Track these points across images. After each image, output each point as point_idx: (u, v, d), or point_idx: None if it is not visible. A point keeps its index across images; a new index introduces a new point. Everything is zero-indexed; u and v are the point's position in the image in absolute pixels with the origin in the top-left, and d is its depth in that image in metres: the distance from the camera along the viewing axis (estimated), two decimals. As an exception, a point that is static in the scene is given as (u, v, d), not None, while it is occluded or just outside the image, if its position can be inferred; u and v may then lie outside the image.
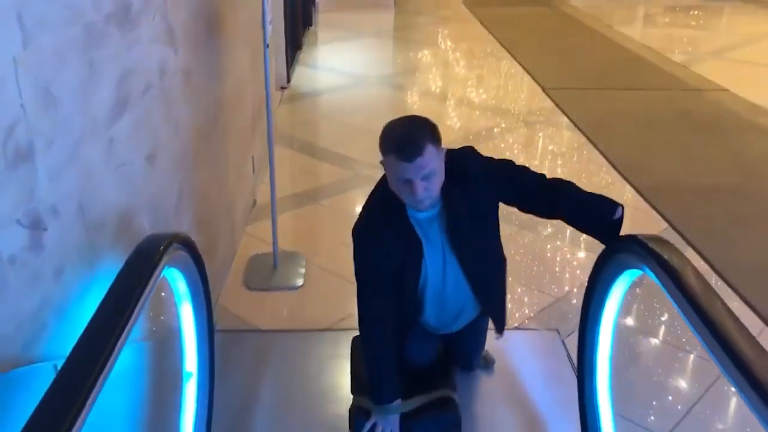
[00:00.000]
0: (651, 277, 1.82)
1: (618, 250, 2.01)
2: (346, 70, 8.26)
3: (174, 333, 2.20)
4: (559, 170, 5.38)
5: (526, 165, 2.23)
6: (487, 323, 2.54)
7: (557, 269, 3.71)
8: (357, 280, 2.15)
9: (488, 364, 2.86)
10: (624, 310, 3.42)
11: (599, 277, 2.12)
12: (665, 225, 4.31)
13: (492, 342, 2.70)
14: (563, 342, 3.11)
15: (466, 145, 2.16)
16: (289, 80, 7.35)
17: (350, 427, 2.41)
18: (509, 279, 2.62)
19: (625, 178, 5.04)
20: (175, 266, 1.92)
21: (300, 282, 3.65)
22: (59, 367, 1.33)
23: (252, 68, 4.24)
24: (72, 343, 1.32)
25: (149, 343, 2.27)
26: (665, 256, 1.78)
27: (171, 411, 2.21)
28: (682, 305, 1.64)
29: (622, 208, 2.07)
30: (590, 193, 2.15)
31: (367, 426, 2.27)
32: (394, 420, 2.26)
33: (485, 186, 2.07)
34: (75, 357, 1.33)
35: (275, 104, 5.67)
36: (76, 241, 1.68)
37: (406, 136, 1.82)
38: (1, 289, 1.34)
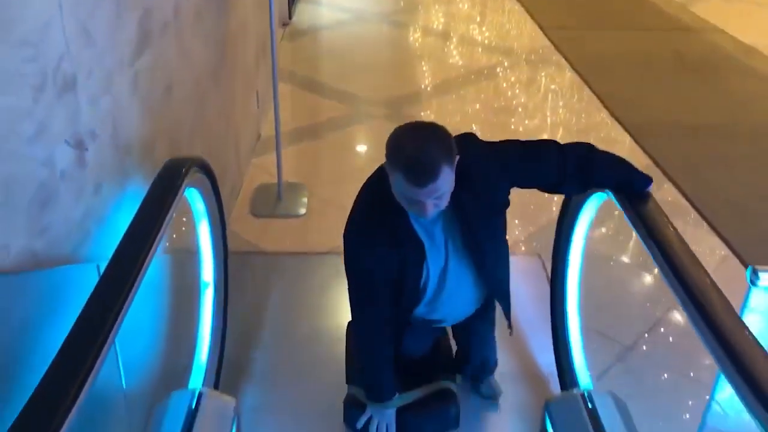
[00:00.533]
0: (613, 201, 2.07)
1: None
2: (348, 7, 8.31)
3: (191, 249, 2.48)
4: (550, 108, 5.58)
5: (541, 138, 2.02)
6: (493, 330, 2.43)
7: (545, 198, 3.98)
8: (349, 287, 1.98)
9: (495, 393, 2.58)
10: (598, 235, 3.71)
11: (571, 200, 2.38)
12: (648, 161, 4.56)
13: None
14: (543, 265, 3.40)
15: (466, 132, 1.92)
16: (291, 17, 7.44)
17: (344, 419, 2.36)
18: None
19: (614, 116, 5.25)
20: (194, 187, 2.18)
21: (303, 211, 3.93)
22: (102, 268, 1.60)
23: (256, 5, 4.39)
24: (110, 248, 1.58)
25: (170, 256, 2.54)
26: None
27: (191, 319, 2.51)
28: (637, 226, 1.90)
29: (651, 180, 1.94)
30: (614, 164, 1.98)
31: (363, 419, 2.21)
32: (390, 414, 2.18)
33: (494, 178, 1.85)
34: (116, 260, 1.59)
35: (277, 41, 5.81)
36: (111, 161, 1.94)
37: (419, 158, 1.57)
38: (55, 200, 1.60)
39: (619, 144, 4.83)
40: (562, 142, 1.98)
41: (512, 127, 5.19)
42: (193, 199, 2.27)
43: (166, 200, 1.87)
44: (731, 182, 4.39)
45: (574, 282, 2.52)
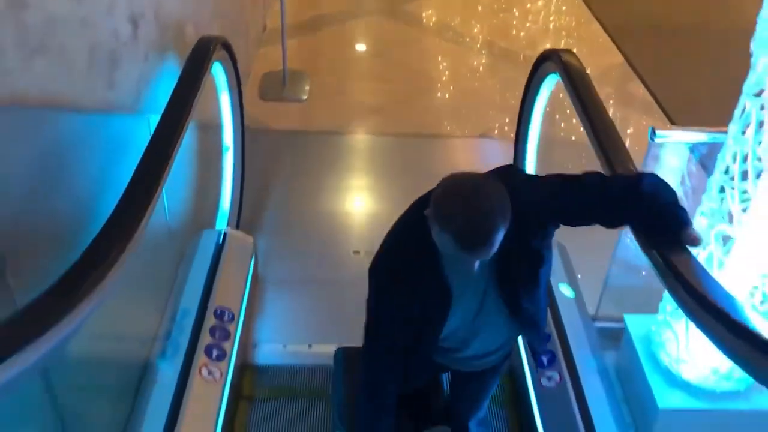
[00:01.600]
0: (562, 82, 2.56)
1: (544, 59, 2.73)
2: None
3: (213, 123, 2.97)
4: (543, 12, 5.93)
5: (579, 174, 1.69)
6: (496, 378, 2.16)
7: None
8: (372, 330, 1.77)
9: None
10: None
11: (532, 81, 2.86)
12: (622, 59, 4.98)
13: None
14: (498, 145, 3.94)
15: (507, 166, 1.74)
16: None
17: None
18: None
19: (595, 16, 5.61)
20: (219, 61, 2.65)
21: (305, 96, 4.40)
22: (151, 121, 2.11)
23: None
24: (157, 105, 2.07)
25: (198, 122, 3.05)
26: (570, 66, 2.50)
27: (216, 175, 3.04)
28: (575, 104, 2.39)
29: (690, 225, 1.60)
30: (660, 205, 1.60)
31: None
32: None
33: (537, 220, 1.61)
34: (165, 119, 2.07)
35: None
36: (154, 37, 2.40)
37: (475, 226, 1.38)
38: (120, 63, 2.08)
39: (595, 42, 5.24)
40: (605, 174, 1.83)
41: (514, 23, 5.57)
42: (217, 72, 2.75)
43: (200, 70, 2.36)
44: (696, 82, 4.83)
45: (532, 153, 3.05)
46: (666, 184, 1.60)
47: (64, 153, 1.80)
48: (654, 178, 1.62)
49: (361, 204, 3.67)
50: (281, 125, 4.10)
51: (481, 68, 4.99)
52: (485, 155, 3.97)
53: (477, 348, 1.81)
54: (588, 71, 2.45)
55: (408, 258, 1.61)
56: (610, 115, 2.25)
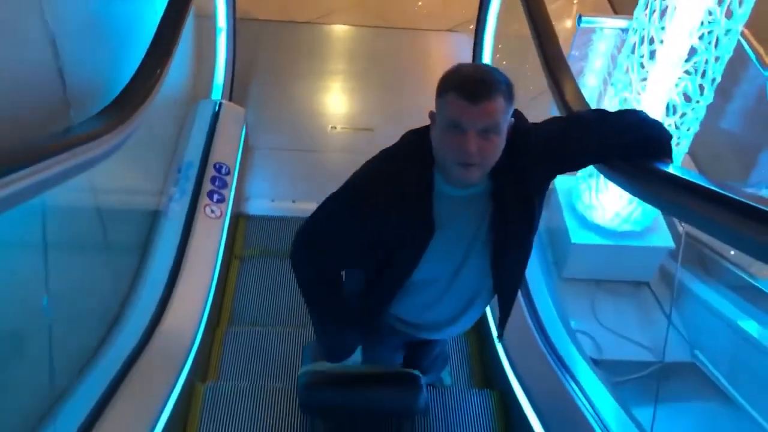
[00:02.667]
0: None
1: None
2: None
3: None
4: None
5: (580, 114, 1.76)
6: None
7: None
8: (313, 218, 1.55)
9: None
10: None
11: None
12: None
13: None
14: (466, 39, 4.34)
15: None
16: None
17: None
18: None
19: None
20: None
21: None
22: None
23: None
24: None
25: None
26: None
27: (212, 54, 3.43)
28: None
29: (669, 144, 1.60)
30: (647, 129, 1.58)
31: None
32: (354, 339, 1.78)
33: (540, 166, 1.53)
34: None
35: None
36: None
37: (476, 76, 1.35)
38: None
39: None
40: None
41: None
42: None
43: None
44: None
45: (489, 45, 3.48)
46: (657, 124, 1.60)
47: (106, 22, 2.22)
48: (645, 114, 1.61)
49: (338, 86, 4.10)
50: (265, 15, 4.44)
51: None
52: (454, 48, 4.38)
53: (444, 310, 1.67)
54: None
55: (397, 169, 1.45)
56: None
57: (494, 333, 2.48)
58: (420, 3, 4.89)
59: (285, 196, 3.31)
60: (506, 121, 1.36)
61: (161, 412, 2.00)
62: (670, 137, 1.60)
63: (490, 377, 2.63)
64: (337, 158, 3.53)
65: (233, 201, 2.96)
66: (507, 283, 1.69)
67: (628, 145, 1.56)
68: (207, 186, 2.85)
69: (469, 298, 1.67)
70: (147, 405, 1.99)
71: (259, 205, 3.25)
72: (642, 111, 1.63)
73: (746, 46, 2.40)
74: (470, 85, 1.32)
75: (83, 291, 1.98)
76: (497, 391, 2.47)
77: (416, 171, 1.43)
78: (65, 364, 1.85)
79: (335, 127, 3.70)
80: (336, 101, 3.97)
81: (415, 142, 1.45)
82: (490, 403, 2.42)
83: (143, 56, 2.11)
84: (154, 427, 1.95)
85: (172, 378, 2.13)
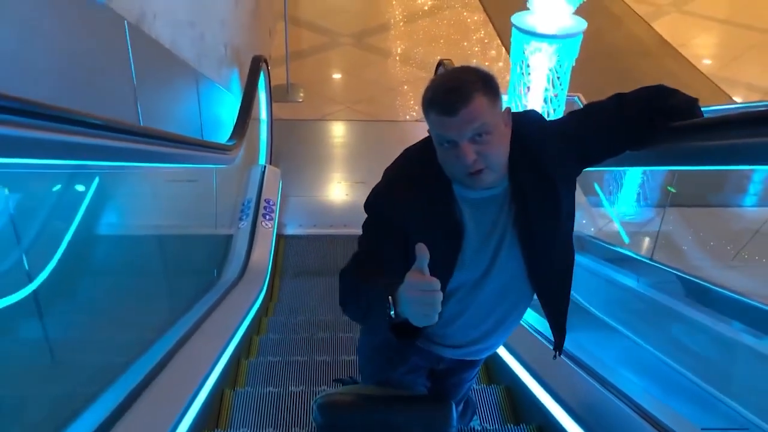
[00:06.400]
0: None
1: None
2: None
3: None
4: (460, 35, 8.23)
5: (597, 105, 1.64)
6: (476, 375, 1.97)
7: None
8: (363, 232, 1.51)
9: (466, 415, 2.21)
10: None
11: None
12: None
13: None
14: None
15: (528, 110, 1.61)
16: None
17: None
18: None
19: (500, 38, 7.93)
20: (262, 71, 4.87)
21: (301, 99, 6.65)
22: (231, 93, 4.30)
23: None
24: (233, 88, 4.26)
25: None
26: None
27: (257, 138, 5.23)
28: None
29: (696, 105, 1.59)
30: (676, 101, 1.59)
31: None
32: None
33: (556, 151, 1.47)
34: (245, 97, 4.28)
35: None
36: (230, 53, 4.61)
37: (449, 84, 1.30)
38: (222, 63, 4.27)
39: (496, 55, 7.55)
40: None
41: (442, 42, 7.88)
42: (261, 79, 4.97)
43: (258, 69, 4.59)
44: None
45: None
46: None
47: (203, 99, 4.01)
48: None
49: (342, 157, 5.92)
50: (287, 116, 6.34)
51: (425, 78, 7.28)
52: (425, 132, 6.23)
53: (470, 321, 1.57)
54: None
55: (415, 178, 1.45)
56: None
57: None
58: (397, 101, 6.83)
59: (308, 224, 5.00)
60: (497, 115, 1.33)
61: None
62: (695, 100, 1.55)
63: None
64: (342, 200, 5.26)
65: (277, 221, 4.64)
66: (550, 287, 1.59)
67: (653, 112, 1.54)
68: (261, 211, 4.54)
69: (498, 307, 1.58)
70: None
71: (292, 229, 4.94)
72: (661, 84, 1.60)
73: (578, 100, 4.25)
74: (444, 97, 1.30)
75: (197, 272, 3.64)
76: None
77: (432, 178, 1.42)
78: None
79: (340, 182, 5.46)
80: (342, 167, 5.78)
81: (421, 159, 1.47)
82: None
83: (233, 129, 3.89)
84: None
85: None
